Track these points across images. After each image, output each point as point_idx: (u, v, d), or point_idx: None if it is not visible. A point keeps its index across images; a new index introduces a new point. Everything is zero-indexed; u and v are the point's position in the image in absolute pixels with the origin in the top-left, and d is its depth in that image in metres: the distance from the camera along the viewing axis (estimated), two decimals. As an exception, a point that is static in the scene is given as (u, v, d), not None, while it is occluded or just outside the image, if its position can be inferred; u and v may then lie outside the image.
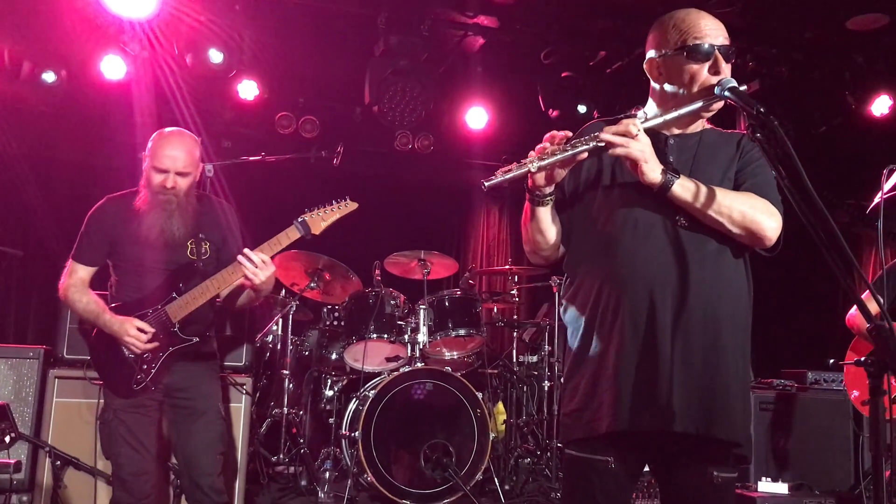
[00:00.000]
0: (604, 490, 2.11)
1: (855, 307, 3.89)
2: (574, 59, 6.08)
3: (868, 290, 3.96)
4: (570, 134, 2.11)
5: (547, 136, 2.10)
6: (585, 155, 2.07)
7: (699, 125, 2.25)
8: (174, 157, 3.15)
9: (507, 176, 2.02)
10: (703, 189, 2.08)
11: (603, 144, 2.05)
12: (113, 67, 5.82)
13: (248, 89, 6.39)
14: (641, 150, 2.05)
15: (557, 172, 2.09)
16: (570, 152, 2.03)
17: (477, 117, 6.85)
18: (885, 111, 6.13)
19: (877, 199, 2.29)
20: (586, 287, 2.18)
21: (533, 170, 2.02)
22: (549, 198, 2.15)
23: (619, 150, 2.05)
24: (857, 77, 6.10)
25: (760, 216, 2.09)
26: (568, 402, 2.18)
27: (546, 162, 2.03)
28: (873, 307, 3.88)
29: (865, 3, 5.27)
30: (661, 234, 2.11)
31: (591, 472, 2.11)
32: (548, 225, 2.20)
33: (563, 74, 6.03)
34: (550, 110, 6.15)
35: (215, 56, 5.42)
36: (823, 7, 5.34)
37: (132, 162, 6.36)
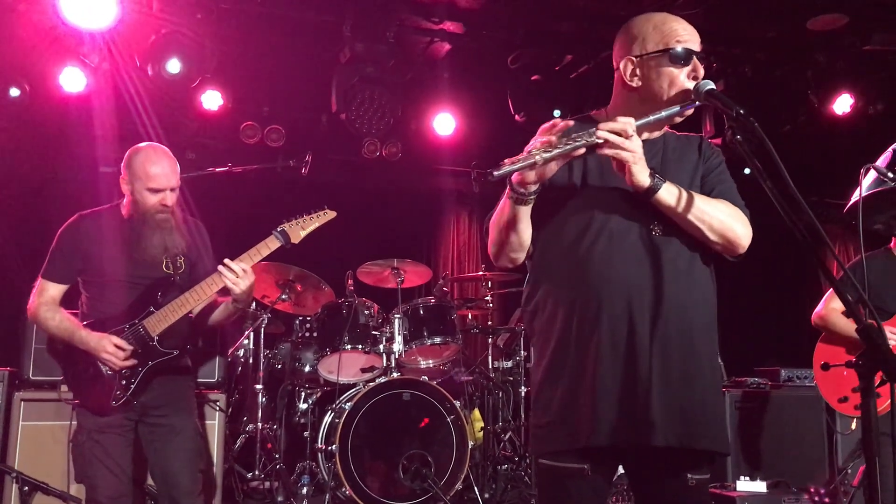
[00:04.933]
0: (581, 497, 2.09)
1: (821, 304, 3.94)
2: (541, 64, 6.08)
3: (833, 289, 4.01)
4: (571, 124, 2.04)
5: (547, 126, 2.02)
6: (583, 151, 2.01)
7: (661, 129, 2.25)
8: (168, 174, 3.14)
9: (515, 167, 1.93)
10: (686, 195, 2.08)
11: (600, 141, 1.99)
12: (72, 80, 5.67)
13: (211, 99, 6.30)
14: (634, 150, 2.01)
15: (550, 169, 2.03)
16: (569, 147, 1.97)
17: (444, 123, 6.84)
18: (847, 109, 6.21)
19: (854, 198, 2.30)
20: (558, 295, 2.13)
21: (539, 162, 1.94)
22: (532, 196, 2.07)
23: (612, 150, 2.00)
24: (818, 76, 6.19)
25: (736, 224, 2.11)
26: (541, 415, 2.13)
27: (550, 155, 1.95)
28: (839, 305, 3.92)
29: (825, 3, 5.35)
30: (636, 243, 2.09)
31: (567, 480, 2.09)
32: (525, 225, 2.13)
33: (532, 78, 6.03)
34: (519, 114, 6.15)
35: (177, 66, 5.31)
36: (784, 8, 5.41)
37: (93, 176, 6.29)
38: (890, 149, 2.36)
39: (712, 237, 2.09)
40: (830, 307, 3.91)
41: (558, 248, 2.15)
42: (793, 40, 5.85)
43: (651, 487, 2.15)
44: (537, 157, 1.93)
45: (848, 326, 3.86)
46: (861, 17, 5.43)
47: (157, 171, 3.12)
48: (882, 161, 2.35)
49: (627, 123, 2.01)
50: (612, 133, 2.00)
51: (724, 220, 2.09)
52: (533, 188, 2.05)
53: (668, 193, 2.05)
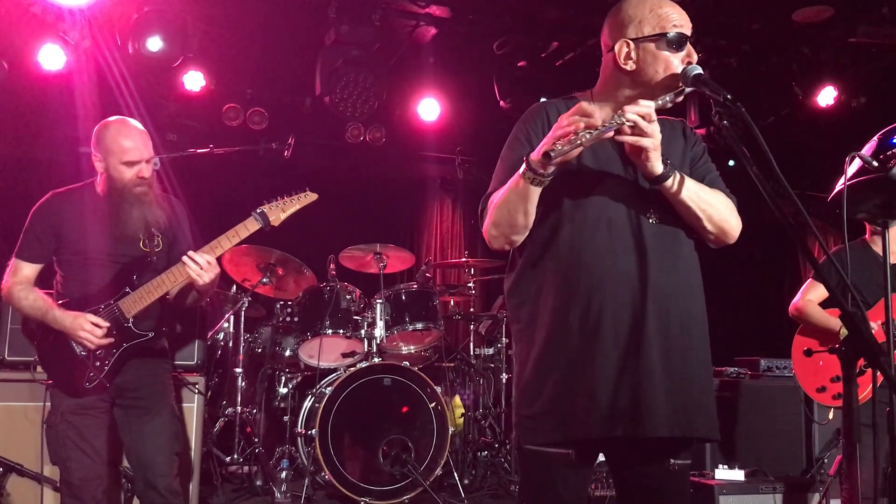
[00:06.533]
0: (564, 481, 2.08)
1: (798, 295, 3.95)
2: (527, 50, 6.05)
3: (813, 277, 4.03)
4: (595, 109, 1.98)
5: (587, 107, 1.94)
6: (611, 133, 1.97)
7: None
8: (141, 147, 3.08)
9: (566, 149, 1.89)
10: (691, 184, 2.07)
11: (629, 124, 1.95)
12: (52, 57, 5.57)
13: (194, 80, 6.23)
14: (654, 135, 1.98)
15: (574, 152, 1.97)
16: (602, 129, 1.92)
17: (429, 109, 6.79)
18: (831, 102, 6.24)
19: (839, 186, 2.30)
20: (554, 284, 2.08)
21: (585, 144, 1.91)
22: (550, 178, 2.00)
23: (635, 135, 1.97)
24: (803, 68, 6.21)
25: (731, 216, 2.13)
26: (529, 405, 2.09)
27: (591, 137, 1.91)
28: (818, 294, 3.94)
29: (810, -5, 5.36)
30: (635, 232, 2.07)
31: (552, 465, 2.07)
32: (534, 206, 2.05)
33: (518, 65, 6.00)
34: (505, 101, 6.13)
35: (158, 44, 5.22)
36: (770, -1, 5.43)
37: (73, 155, 6.20)
38: (875, 137, 2.36)
39: (709, 227, 2.10)
40: (807, 298, 3.92)
41: (554, 236, 2.10)
42: (778, 32, 5.85)
43: (634, 473, 2.14)
44: (582, 138, 1.89)
45: (823, 317, 3.87)
46: (846, 9, 5.44)
47: (131, 144, 3.06)
48: (867, 149, 2.34)
49: (649, 107, 1.98)
50: (639, 117, 1.96)
51: (722, 210, 2.11)
52: (552, 170, 1.98)
53: (677, 181, 2.05)
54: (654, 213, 2.09)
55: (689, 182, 2.07)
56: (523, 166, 1.99)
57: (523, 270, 2.17)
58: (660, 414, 1.98)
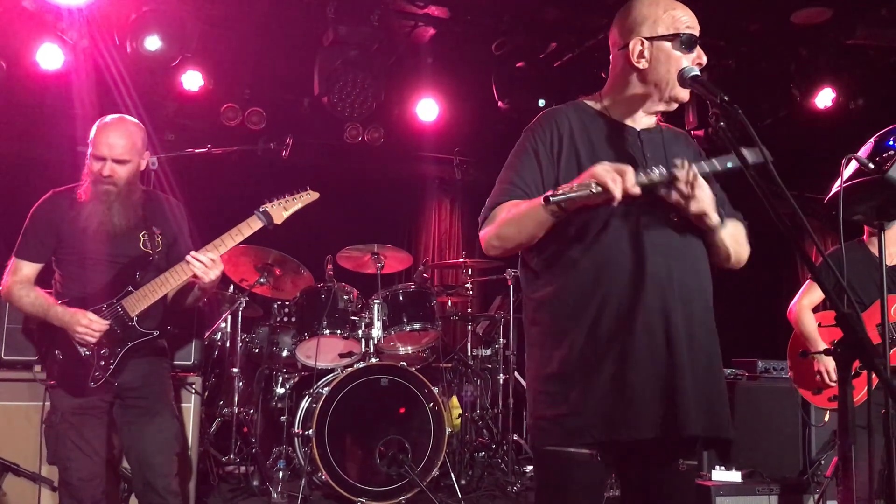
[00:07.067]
0: (586, 483, 2.07)
1: (795, 298, 3.96)
2: (525, 51, 6.06)
3: (810, 280, 4.04)
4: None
5: (628, 175, 1.92)
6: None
7: (653, 118, 2.22)
8: (111, 143, 3.05)
9: (573, 195, 1.90)
10: (730, 227, 2.13)
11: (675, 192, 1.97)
12: (50, 57, 5.57)
13: (192, 80, 6.22)
14: (703, 199, 2.01)
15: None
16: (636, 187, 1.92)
17: (427, 109, 6.79)
18: (829, 104, 6.23)
19: (835, 188, 2.31)
20: (581, 287, 2.06)
21: (595, 193, 1.91)
22: (568, 211, 2.01)
23: (698, 206, 2.00)
24: (801, 70, 6.20)
25: (746, 246, 2.20)
26: (554, 406, 2.06)
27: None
28: (816, 296, 3.94)
29: (809, -4, 5.37)
30: (660, 233, 2.06)
31: (572, 465, 2.05)
32: (545, 229, 2.06)
33: (517, 65, 6.00)
34: (503, 101, 6.13)
35: (156, 43, 5.22)
36: (768, 1, 5.42)
37: (71, 155, 6.19)
38: (871, 139, 2.36)
39: (732, 261, 2.17)
40: (803, 304, 3.92)
41: (580, 238, 2.08)
42: (776, 34, 5.85)
43: (643, 474, 2.13)
44: (593, 187, 1.90)
45: (809, 331, 3.87)
46: (845, 11, 5.44)
47: (102, 139, 3.05)
48: (863, 151, 2.35)
49: (691, 172, 1.97)
50: (687, 184, 1.97)
51: (743, 244, 2.18)
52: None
53: (725, 231, 2.10)
54: (674, 212, 2.07)
55: (728, 226, 2.13)
56: (547, 198, 1.97)
57: (544, 272, 2.15)
58: (691, 414, 1.97)
